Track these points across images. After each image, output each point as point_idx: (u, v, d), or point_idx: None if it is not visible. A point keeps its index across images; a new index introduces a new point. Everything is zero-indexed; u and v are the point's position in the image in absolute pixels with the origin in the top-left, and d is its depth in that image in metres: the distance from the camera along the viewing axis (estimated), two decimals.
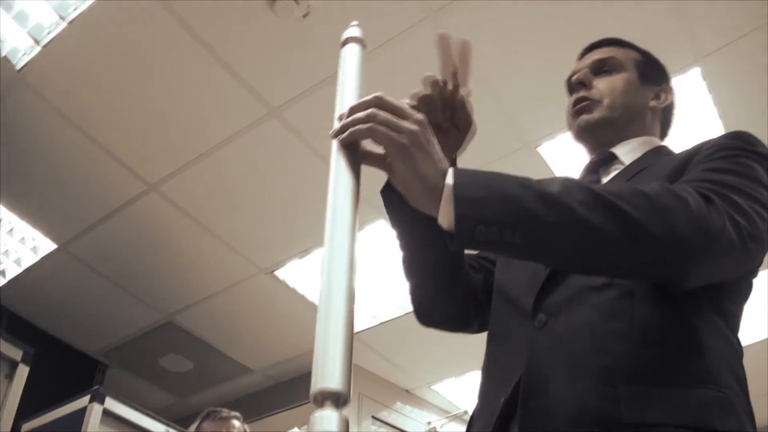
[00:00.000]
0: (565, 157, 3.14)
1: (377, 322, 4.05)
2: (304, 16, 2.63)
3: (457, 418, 4.81)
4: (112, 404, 2.76)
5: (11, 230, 3.59)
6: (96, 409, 2.66)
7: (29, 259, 3.76)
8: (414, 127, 0.88)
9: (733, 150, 1.04)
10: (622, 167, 1.22)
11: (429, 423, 4.84)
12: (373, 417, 4.49)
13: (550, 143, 3.12)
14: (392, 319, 4.03)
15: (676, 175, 1.04)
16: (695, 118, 2.96)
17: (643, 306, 0.97)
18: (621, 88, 1.29)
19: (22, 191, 3.40)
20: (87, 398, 2.75)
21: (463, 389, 4.66)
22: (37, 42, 2.78)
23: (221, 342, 4.29)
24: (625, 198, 0.87)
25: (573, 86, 1.33)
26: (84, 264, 3.76)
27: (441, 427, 4.79)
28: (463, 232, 0.83)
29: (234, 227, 3.53)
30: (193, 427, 2.63)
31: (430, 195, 0.86)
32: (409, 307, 1.24)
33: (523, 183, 0.87)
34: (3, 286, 3.90)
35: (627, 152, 1.24)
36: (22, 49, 2.81)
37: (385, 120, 0.87)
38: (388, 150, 0.88)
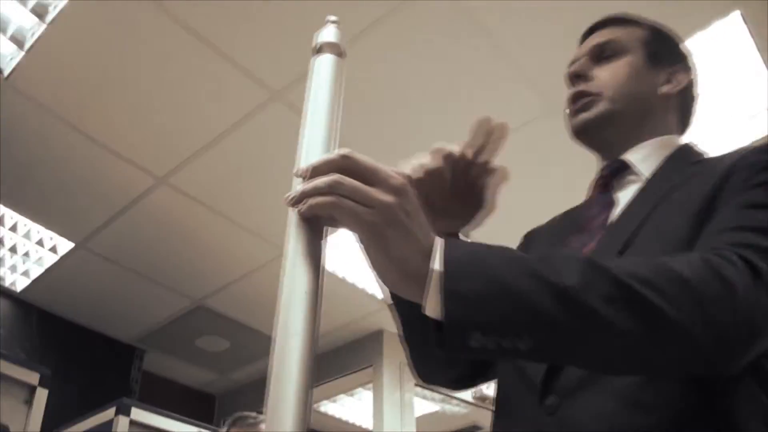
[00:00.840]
0: None
1: None
2: None
3: None
4: (138, 414, 2.71)
5: (28, 232, 3.53)
6: (122, 422, 2.61)
7: (50, 259, 3.71)
8: (388, 198, 0.68)
9: None
10: (639, 181, 1.02)
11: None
12: (416, 384, 4.41)
13: None
14: None
15: (708, 209, 0.87)
16: (738, 68, 2.69)
17: (670, 393, 0.79)
18: (624, 74, 1.09)
19: (32, 196, 3.32)
20: (113, 410, 2.71)
21: None
22: (20, 46, 2.63)
23: (254, 321, 4.23)
24: (660, 288, 0.69)
25: (571, 78, 1.13)
26: (105, 259, 3.70)
27: (487, 388, 4.70)
28: (453, 339, 0.65)
29: (250, 212, 3.40)
30: (222, 431, 2.60)
31: (410, 282, 0.68)
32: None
33: (533, 271, 0.68)
34: (29, 286, 3.87)
35: (642, 159, 1.05)
36: (6, 55, 2.66)
37: (351, 190, 0.68)
38: (354, 231, 0.70)
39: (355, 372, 4.40)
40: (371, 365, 4.31)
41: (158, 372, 4.78)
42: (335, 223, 0.71)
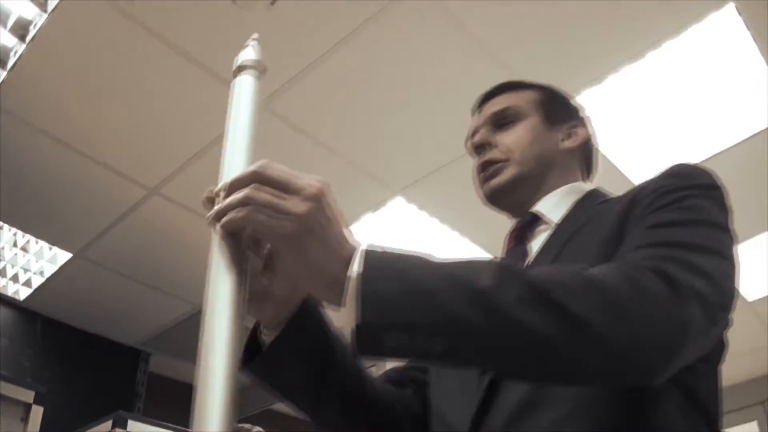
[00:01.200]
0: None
1: None
2: (272, 3, 2.37)
3: None
4: (135, 426, 2.71)
5: (26, 244, 3.55)
6: None
7: (49, 269, 3.74)
8: (302, 208, 0.68)
9: (675, 192, 0.87)
10: (550, 228, 1.05)
11: None
12: None
13: None
14: None
15: (616, 237, 0.87)
16: (735, 59, 2.63)
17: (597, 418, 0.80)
18: (527, 138, 1.13)
19: (26, 210, 3.35)
20: (109, 423, 2.72)
21: None
22: (3, 66, 2.62)
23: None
24: (574, 293, 0.69)
25: (475, 149, 1.16)
26: (103, 267, 3.72)
27: None
28: (369, 340, 0.66)
29: None
30: None
31: (330, 289, 0.69)
32: None
33: (449, 274, 0.69)
34: (31, 295, 3.91)
35: (551, 208, 1.08)
36: None
37: (264, 203, 0.68)
38: (272, 243, 0.72)
39: None
40: None
41: (165, 373, 4.81)
42: (256, 237, 0.73)
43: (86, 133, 2.89)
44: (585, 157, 1.19)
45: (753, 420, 4.80)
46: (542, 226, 1.07)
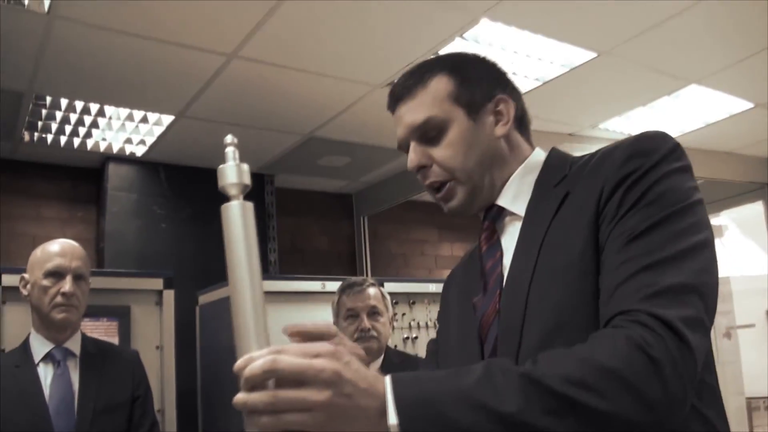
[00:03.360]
0: None
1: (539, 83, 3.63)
2: None
3: None
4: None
5: (130, 115, 3.61)
6: None
7: (158, 131, 3.84)
8: (323, 396, 0.71)
9: (642, 180, 0.91)
10: (517, 219, 1.07)
11: None
12: None
13: None
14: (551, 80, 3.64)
15: (592, 235, 0.93)
16: None
17: None
18: (461, 149, 1.08)
19: (122, 93, 3.39)
20: None
21: (628, 125, 4.28)
22: None
23: (368, 138, 4.22)
24: (594, 388, 0.75)
25: (415, 171, 1.12)
26: (207, 121, 3.76)
27: None
28: None
29: (326, 61, 3.22)
30: (335, 299, 2.62)
31: None
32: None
33: (476, 404, 0.74)
34: (147, 151, 4.08)
35: (513, 199, 1.09)
36: None
37: (287, 404, 0.71)
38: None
39: None
40: None
41: (292, 187, 5.02)
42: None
43: (144, 16, 2.74)
44: (519, 121, 1.14)
45: (758, 200, 5.16)
46: (509, 217, 1.10)
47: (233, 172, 0.82)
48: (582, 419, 0.74)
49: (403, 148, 1.13)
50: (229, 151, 0.83)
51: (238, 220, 0.80)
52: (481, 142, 1.09)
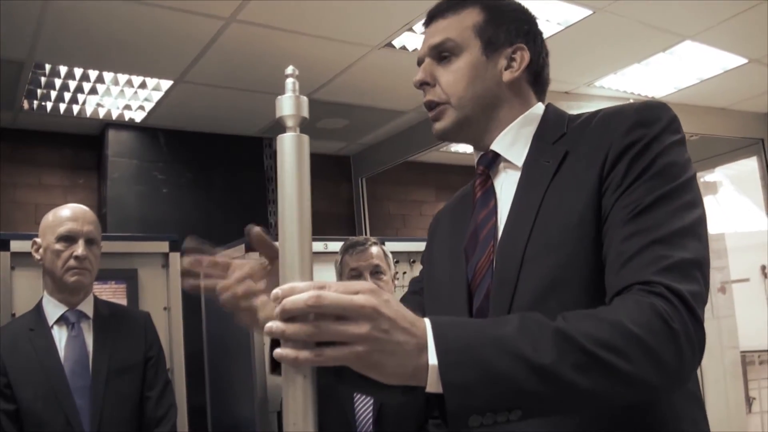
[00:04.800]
0: None
1: None
2: None
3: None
4: None
5: (129, 81, 3.62)
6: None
7: (156, 96, 3.85)
8: (363, 330, 0.73)
9: (645, 152, 0.96)
10: (512, 167, 1.10)
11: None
12: None
13: None
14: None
15: (595, 200, 0.97)
16: None
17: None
18: (464, 78, 1.11)
19: (120, 58, 3.39)
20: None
21: (624, 82, 4.29)
22: None
23: (365, 100, 4.24)
24: (620, 350, 0.81)
25: (419, 85, 1.16)
26: (205, 86, 3.77)
27: None
28: (456, 422, 0.77)
29: (320, 23, 3.23)
30: (338, 259, 2.63)
31: (411, 379, 0.77)
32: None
33: (515, 353, 0.78)
34: (146, 117, 4.08)
35: (509, 146, 1.12)
36: None
37: (330, 335, 0.73)
38: (347, 365, 0.76)
39: None
40: None
41: None
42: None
43: None
44: (534, 76, 1.16)
45: (753, 156, 5.16)
46: (503, 164, 1.12)
47: (290, 104, 0.81)
48: (605, 378, 0.80)
49: (420, 64, 1.17)
50: (289, 82, 0.82)
51: (293, 151, 0.80)
52: (486, 80, 1.12)
